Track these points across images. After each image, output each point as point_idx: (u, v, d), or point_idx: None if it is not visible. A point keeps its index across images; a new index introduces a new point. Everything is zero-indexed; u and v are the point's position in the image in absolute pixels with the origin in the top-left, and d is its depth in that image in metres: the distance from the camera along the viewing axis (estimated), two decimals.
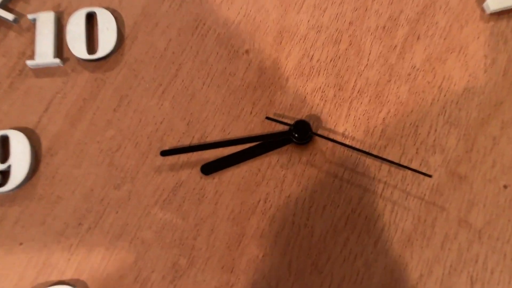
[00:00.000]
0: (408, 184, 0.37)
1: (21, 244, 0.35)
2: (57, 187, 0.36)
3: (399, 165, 0.35)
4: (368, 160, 0.37)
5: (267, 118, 0.37)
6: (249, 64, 0.40)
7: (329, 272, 0.35)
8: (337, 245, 0.36)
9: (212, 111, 0.39)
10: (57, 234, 0.35)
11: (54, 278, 0.34)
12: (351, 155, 0.38)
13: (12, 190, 0.36)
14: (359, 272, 0.35)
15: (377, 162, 0.37)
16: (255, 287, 0.34)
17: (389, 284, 0.35)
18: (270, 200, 0.36)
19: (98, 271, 0.35)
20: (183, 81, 0.39)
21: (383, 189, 0.37)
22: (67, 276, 0.35)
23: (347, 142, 0.38)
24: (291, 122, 0.37)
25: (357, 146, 0.38)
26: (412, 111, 0.39)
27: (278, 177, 0.37)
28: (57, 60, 0.39)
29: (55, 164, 0.37)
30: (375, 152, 0.38)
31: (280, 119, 0.38)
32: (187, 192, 0.37)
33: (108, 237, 0.35)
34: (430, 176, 0.35)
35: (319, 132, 0.38)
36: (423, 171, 0.37)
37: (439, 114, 0.39)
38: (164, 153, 0.36)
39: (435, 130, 0.39)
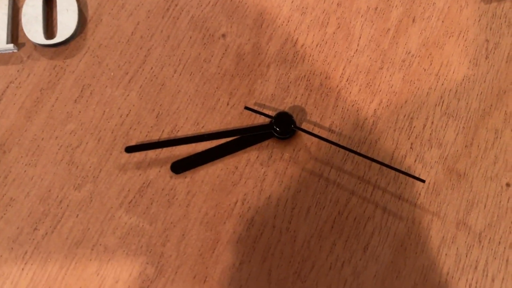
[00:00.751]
0: (401, 183, 0.34)
1: None
2: (9, 188, 0.33)
3: (389, 166, 0.32)
4: (358, 157, 0.34)
5: (246, 108, 0.33)
6: (226, 50, 0.36)
7: (313, 281, 0.32)
8: (322, 251, 0.32)
9: (184, 102, 0.35)
10: (9, 240, 0.32)
11: None
12: (338, 151, 0.34)
13: None
14: (346, 281, 0.32)
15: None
16: None
17: None
18: (248, 202, 0.33)
19: (56, 282, 0.31)
20: (152, 68, 0.35)
21: (373, 189, 0.33)
22: None
23: (334, 136, 0.34)
24: (272, 114, 0.33)
25: (346, 141, 0.34)
26: (406, 101, 0.35)
27: (258, 176, 0.33)
28: (11, 46, 0.35)
29: (7, 162, 0.33)
30: (365, 147, 0.34)
31: (260, 110, 0.34)
32: (156, 193, 0.33)
33: (67, 244, 0.32)
34: (423, 181, 0.31)
35: (304, 125, 0.35)
36: (419, 168, 0.34)
37: (436, 105, 0.35)
38: (130, 149, 0.32)
39: (432, 123, 0.35)
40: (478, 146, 0.35)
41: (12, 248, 0.32)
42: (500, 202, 0.34)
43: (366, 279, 0.32)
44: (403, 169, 0.34)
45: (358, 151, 0.34)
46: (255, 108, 0.34)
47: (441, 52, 0.37)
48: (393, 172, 0.34)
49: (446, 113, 0.35)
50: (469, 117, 0.35)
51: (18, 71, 0.35)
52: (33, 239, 0.32)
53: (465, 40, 0.37)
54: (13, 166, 0.33)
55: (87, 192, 0.33)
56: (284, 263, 0.32)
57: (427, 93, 0.36)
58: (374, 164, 0.34)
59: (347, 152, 0.34)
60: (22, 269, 0.31)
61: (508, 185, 0.34)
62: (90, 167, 0.33)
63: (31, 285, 0.31)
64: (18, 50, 0.36)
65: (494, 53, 0.37)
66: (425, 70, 0.36)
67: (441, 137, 0.35)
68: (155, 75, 0.35)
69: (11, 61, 0.35)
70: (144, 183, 0.33)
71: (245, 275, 0.32)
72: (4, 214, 0.32)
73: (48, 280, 0.31)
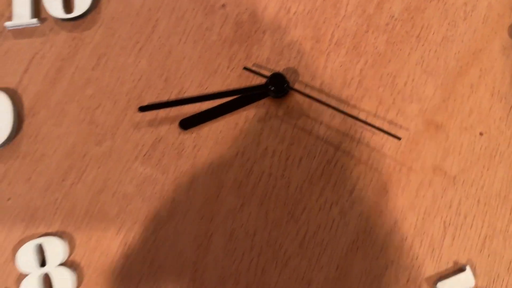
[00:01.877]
0: (384, 134, 0.37)
1: (8, 199, 0.36)
2: (40, 145, 0.37)
3: (369, 124, 0.35)
4: (346, 109, 0.38)
5: (245, 68, 0.37)
6: (225, 19, 0.40)
7: (305, 220, 0.36)
8: (313, 195, 0.36)
9: (189, 67, 0.39)
10: (42, 190, 0.37)
11: (41, 230, 0.36)
12: (327, 108, 0.38)
13: None
14: (334, 220, 0.36)
15: (355, 111, 0.38)
16: (234, 235, 0.36)
17: (363, 230, 0.36)
18: (247, 153, 0.37)
19: (83, 224, 0.36)
20: (159, 38, 0.39)
21: (359, 140, 0.37)
22: (54, 229, 0.36)
23: (324, 94, 0.38)
24: (268, 74, 0.37)
25: (335, 98, 0.38)
26: (389, 61, 0.39)
27: (255, 131, 0.38)
28: (35, 21, 0.39)
29: (37, 123, 0.38)
30: (352, 102, 0.38)
31: (259, 70, 0.38)
32: (166, 147, 0.37)
33: (91, 192, 0.37)
34: (399, 138, 0.35)
35: (296, 85, 0.38)
36: (400, 120, 0.38)
37: (416, 64, 0.39)
38: (142, 108, 0.37)
39: (413, 80, 0.39)
40: (455, 100, 0.38)
41: (44, 196, 0.37)
42: (473, 149, 0.37)
43: (351, 218, 0.36)
44: (386, 121, 0.37)
45: (346, 106, 0.38)
46: (253, 68, 0.38)
47: (422, 15, 0.40)
48: (377, 123, 0.37)
49: (426, 71, 0.39)
50: (447, 74, 0.39)
51: (41, 43, 0.40)
52: (62, 188, 0.37)
53: (444, 4, 0.40)
54: (42, 126, 0.38)
55: (106, 147, 0.37)
56: (279, 205, 0.36)
57: (409, 53, 0.39)
58: (360, 116, 0.38)
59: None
60: (54, 213, 0.36)
61: (481, 134, 0.38)
62: (108, 125, 0.38)
63: (62, 226, 0.36)
64: (41, 24, 0.40)
65: (471, 15, 0.40)
66: (407, 32, 0.40)
67: (421, 92, 0.38)
68: (162, 44, 0.39)
69: (35, 35, 0.40)
70: (156, 138, 0.38)
71: (245, 216, 0.36)
72: (36, 167, 0.37)
73: (77, 222, 0.36)
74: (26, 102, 0.38)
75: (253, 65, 0.39)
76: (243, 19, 0.40)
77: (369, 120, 0.38)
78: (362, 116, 0.38)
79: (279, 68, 0.39)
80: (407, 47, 0.39)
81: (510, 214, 0.36)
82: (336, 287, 0.35)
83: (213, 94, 0.38)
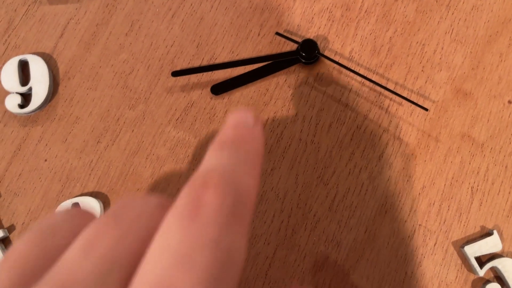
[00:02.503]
0: (413, 101, 0.38)
1: (45, 160, 0.37)
2: (75, 108, 0.38)
3: (397, 94, 0.36)
4: (374, 78, 0.38)
5: (277, 33, 0.37)
6: None
7: (334, 184, 0.37)
8: (342, 160, 0.37)
9: (220, 33, 0.39)
10: (77, 151, 0.38)
11: (77, 191, 0.37)
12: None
13: (34, 111, 0.38)
14: (363, 184, 0.37)
15: (384, 80, 0.38)
16: (264, 197, 0.36)
17: (392, 195, 0.36)
18: (277, 119, 0.38)
19: (117, 185, 0.37)
20: (191, 5, 0.40)
21: (388, 106, 0.38)
22: (89, 189, 0.37)
23: (353, 61, 0.39)
24: (299, 41, 0.38)
25: (364, 65, 0.39)
26: (419, 29, 0.39)
27: (286, 97, 0.38)
28: None
29: (72, 86, 0.39)
30: (381, 70, 0.39)
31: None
32: (198, 112, 0.38)
33: (125, 154, 0.38)
34: (426, 109, 0.36)
35: (326, 52, 0.39)
36: (429, 88, 0.38)
37: (446, 33, 0.39)
38: (175, 73, 0.37)
39: (442, 48, 0.39)
40: (484, 68, 0.39)
41: (80, 158, 0.38)
42: (501, 117, 0.38)
43: (380, 182, 0.37)
44: (415, 89, 0.38)
45: (375, 73, 0.38)
46: (285, 35, 0.39)
47: None
48: (406, 90, 0.38)
49: (455, 39, 0.39)
50: (476, 43, 0.39)
51: (76, 9, 0.40)
52: (97, 150, 0.38)
53: None
54: (77, 90, 0.39)
55: (140, 111, 0.38)
56: (309, 169, 0.37)
57: (438, 22, 0.39)
58: (389, 83, 0.38)
59: (366, 73, 0.38)
60: (89, 174, 0.37)
61: (510, 102, 0.38)
62: (141, 90, 0.39)
63: (98, 187, 0.37)
64: None
65: None
66: (436, 1, 0.40)
67: (450, 61, 0.39)
68: (194, 10, 0.40)
69: (70, 1, 0.40)
70: (188, 103, 0.38)
71: (276, 179, 0.37)
72: (72, 130, 0.38)
73: (111, 183, 0.37)
74: (62, 66, 0.39)
75: (284, 31, 0.39)
76: None
77: (397, 88, 0.38)
78: (391, 83, 0.38)
79: (310, 35, 0.39)
80: (436, 15, 0.39)
81: None
82: (365, 249, 0.36)
83: (244, 60, 0.38)
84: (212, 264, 0.17)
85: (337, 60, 0.38)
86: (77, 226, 0.20)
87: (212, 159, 0.22)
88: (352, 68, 0.37)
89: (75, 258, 0.18)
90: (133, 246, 0.18)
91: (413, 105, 0.38)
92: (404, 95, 0.38)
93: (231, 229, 0.18)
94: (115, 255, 0.18)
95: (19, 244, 0.20)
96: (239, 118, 0.24)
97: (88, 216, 0.21)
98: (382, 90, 0.38)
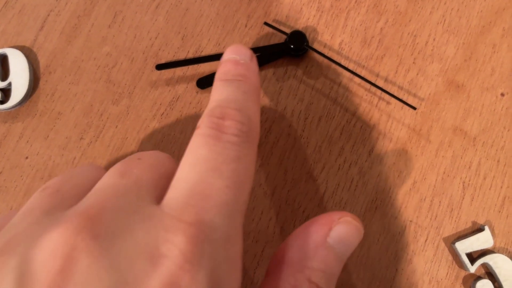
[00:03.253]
0: (404, 94, 0.37)
1: (27, 158, 0.36)
2: (57, 103, 0.37)
3: (386, 92, 0.35)
4: (365, 71, 0.37)
5: (265, 23, 0.36)
6: None
7: (324, 180, 0.36)
8: (332, 155, 0.36)
9: (206, 24, 0.38)
10: (60, 148, 0.37)
11: None
12: (347, 66, 0.37)
13: (14, 107, 0.37)
14: (353, 179, 0.36)
15: (374, 73, 0.37)
16: (253, 194, 0.36)
17: (382, 190, 0.36)
18: (266, 113, 0.37)
19: None
20: None
21: (378, 100, 0.37)
22: None
23: (343, 53, 0.38)
24: (288, 32, 0.36)
25: (355, 57, 0.38)
26: (410, 20, 0.38)
27: (274, 90, 0.37)
28: None
29: (54, 81, 0.37)
30: (372, 62, 0.38)
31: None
32: (184, 106, 0.37)
33: (109, 150, 0.37)
34: (414, 108, 0.35)
35: (315, 44, 0.38)
36: (421, 80, 0.37)
37: (438, 23, 0.38)
38: (159, 67, 0.36)
39: (434, 39, 0.38)
40: (477, 60, 0.38)
41: (62, 155, 0.37)
42: (494, 110, 0.37)
43: (370, 177, 0.36)
44: (406, 82, 0.37)
45: (365, 66, 0.37)
46: (273, 25, 0.38)
47: None
48: (397, 84, 0.37)
49: (447, 30, 0.38)
50: (469, 33, 0.38)
51: (56, 0, 0.39)
52: (80, 146, 0.37)
53: None
54: (59, 84, 0.38)
55: (124, 106, 0.37)
56: (298, 165, 0.36)
57: (430, 12, 0.38)
58: (380, 77, 0.37)
59: (356, 66, 0.37)
60: None
61: (502, 94, 0.37)
62: (125, 84, 0.37)
63: None
64: None
65: None
66: None
67: (442, 52, 0.38)
68: (179, 1, 0.39)
69: None
70: (173, 97, 0.37)
71: (264, 175, 0.36)
72: (54, 126, 0.37)
73: None
74: (42, 60, 0.38)
75: (272, 21, 0.38)
76: None
77: (388, 81, 0.37)
78: (381, 77, 0.37)
79: (299, 26, 0.38)
80: (428, 5, 0.38)
81: None
82: None
83: None
84: (235, 173, 0.22)
85: (326, 53, 0.37)
86: (98, 172, 0.26)
87: (221, 92, 0.27)
88: (342, 60, 0.36)
89: (114, 178, 0.22)
90: (156, 176, 0.23)
91: (403, 99, 0.37)
92: (395, 88, 0.37)
93: (246, 148, 0.23)
94: (144, 178, 0.23)
95: (51, 181, 0.25)
96: (237, 53, 0.30)
97: (100, 169, 0.28)
98: (373, 81, 0.37)
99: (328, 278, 0.23)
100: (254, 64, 0.31)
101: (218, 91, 0.27)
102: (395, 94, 0.36)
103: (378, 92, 0.37)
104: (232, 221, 0.22)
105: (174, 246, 0.19)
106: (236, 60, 0.30)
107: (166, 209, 0.20)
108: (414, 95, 0.37)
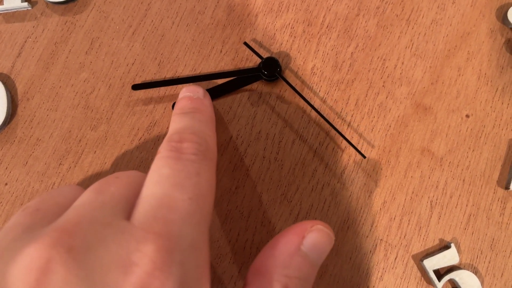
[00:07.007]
0: (374, 117, 0.38)
1: (6, 184, 0.37)
2: (35, 129, 0.38)
3: (344, 137, 0.37)
4: (336, 94, 0.39)
5: (245, 44, 0.37)
6: (218, 2, 0.40)
7: (298, 201, 0.37)
8: (305, 176, 0.38)
9: (182, 50, 0.39)
10: (39, 174, 0.37)
11: None
12: (319, 91, 0.39)
13: None
14: (326, 200, 0.37)
15: (345, 97, 0.39)
16: (229, 216, 0.37)
17: (354, 210, 0.37)
18: (241, 136, 0.38)
19: None
20: (152, 21, 0.40)
21: (349, 123, 0.38)
22: None
23: (315, 78, 0.39)
24: (263, 56, 0.38)
25: (326, 81, 0.39)
26: (380, 44, 0.40)
27: (249, 114, 0.38)
28: (25, 4, 0.39)
29: (32, 107, 0.38)
30: (343, 86, 0.39)
31: (250, 56, 0.38)
32: (161, 131, 0.38)
33: (88, 176, 0.37)
34: (364, 156, 0.37)
35: (288, 69, 0.39)
36: (390, 103, 0.39)
37: (406, 47, 0.40)
38: (136, 87, 0.37)
39: (402, 63, 0.39)
40: (443, 82, 0.39)
41: (42, 181, 0.37)
42: (459, 131, 0.39)
43: (342, 198, 0.37)
44: (375, 105, 0.38)
45: (336, 90, 0.39)
46: (246, 56, 0.39)
47: None
48: (367, 107, 0.38)
49: (415, 54, 0.40)
50: (436, 57, 0.40)
51: (33, 27, 0.39)
52: (59, 172, 0.37)
53: None
54: (37, 111, 0.38)
55: (102, 132, 0.38)
56: (273, 187, 0.37)
57: (399, 36, 0.40)
58: (351, 100, 0.38)
59: (328, 90, 0.39)
60: None
61: (467, 116, 0.39)
62: (103, 110, 0.38)
63: None
64: (32, 7, 0.40)
65: None
66: (397, 15, 0.40)
67: (410, 75, 0.39)
68: (155, 27, 0.40)
69: (27, 18, 0.39)
70: (151, 122, 0.38)
71: (240, 198, 0.37)
72: (33, 152, 0.38)
73: None
74: (20, 86, 0.38)
75: (248, 45, 0.39)
76: (235, 2, 0.40)
77: (359, 104, 0.38)
78: (352, 100, 0.39)
79: (272, 51, 0.39)
80: (397, 30, 0.40)
81: (494, 193, 0.38)
82: (328, 265, 0.36)
83: (206, 75, 0.38)
84: (197, 186, 0.24)
85: (299, 77, 0.38)
86: (76, 191, 0.28)
87: (178, 122, 0.30)
88: (314, 85, 0.38)
89: (91, 196, 0.24)
90: (131, 194, 0.24)
91: (373, 121, 0.38)
92: (366, 111, 0.39)
93: (205, 164, 0.26)
94: (120, 194, 0.24)
95: (31, 201, 0.26)
96: (191, 92, 0.34)
97: (79, 188, 0.29)
98: (344, 106, 0.38)
99: (303, 285, 0.25)
100: (207, 100, 0.35)
101: (175, 122, 0.31)
102: (364, 117, 0.38)
103: (349, 116, 0.38)
104: (198, 230, 0.23)
105: (144, 255, 0.20)
106: (190, 96, 0.34)
107: (136, 223, 0.22)
108: (384, 117, 0.38)
